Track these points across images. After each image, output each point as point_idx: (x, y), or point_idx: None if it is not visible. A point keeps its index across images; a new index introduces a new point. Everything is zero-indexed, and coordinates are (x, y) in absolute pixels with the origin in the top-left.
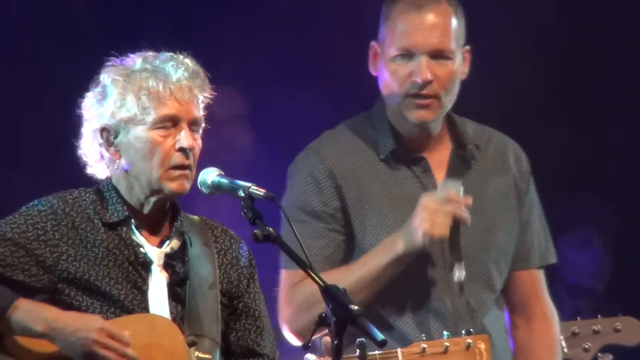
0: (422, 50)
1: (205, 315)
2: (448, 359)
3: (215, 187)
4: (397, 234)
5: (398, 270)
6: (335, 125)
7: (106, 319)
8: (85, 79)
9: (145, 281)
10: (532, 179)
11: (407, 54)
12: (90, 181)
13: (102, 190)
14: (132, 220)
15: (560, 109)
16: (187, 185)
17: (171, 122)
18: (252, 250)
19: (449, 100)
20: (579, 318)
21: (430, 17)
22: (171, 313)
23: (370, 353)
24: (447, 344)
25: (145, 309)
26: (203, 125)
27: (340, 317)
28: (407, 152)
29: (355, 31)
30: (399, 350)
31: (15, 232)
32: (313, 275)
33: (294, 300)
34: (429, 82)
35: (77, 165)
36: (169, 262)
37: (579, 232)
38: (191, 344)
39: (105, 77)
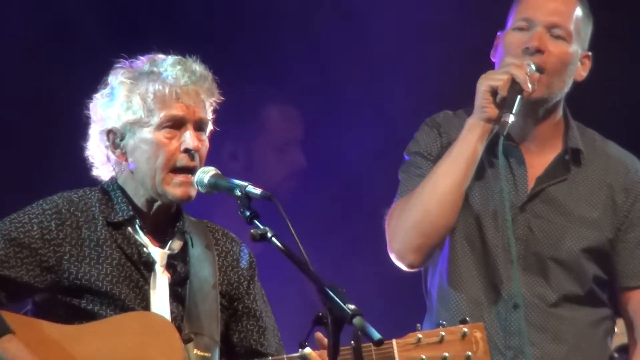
0: (539, 21)
1: (204, 315)
2: (444, 348)
3: (212, 186)
4: None
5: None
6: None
7: (105, 317)
8: (94, 80)
9: (147, 281)
10: None
11: (525, 26)
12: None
13: (107, 189)
14: (137, 220)
15: None
16: (193, 192)
17: (177, 124)
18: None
19: (558, 86)
20: None
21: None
22: (172, 312)
23: (365, 344)
24: (443, 333)
25: (146, 308)
26: (211, 127)
27: (337, 316)
28: (511, 142)
29: None
30: (394, 340)
31: (19, 231)
32: (310, 275)
33: (392, 228)
34: (540, 52)
35: (84, 166)
36: (171, 262)
37: None
38: (187, 341)
39: (113, 79)
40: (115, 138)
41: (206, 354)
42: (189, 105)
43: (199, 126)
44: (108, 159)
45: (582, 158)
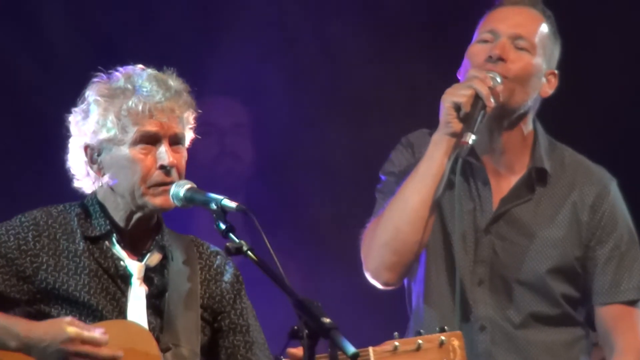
0: (503, 32)
1: (184, 327)
2: (421, 356)
3: (188, 200)
4: None
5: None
6: None
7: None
8: (74, 93)
9: (124, 293)
10: (610, 211)
11: (490, 38)
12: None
13: (87, 204)
14: (114, 234)
15: None
16: (172, 201)
17: (151, 140)
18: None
19: (520, 95)
20: None
21: (518, 12)
22: (150, 323)
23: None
24: (420, 341)
25: (123, 318)
26: (192, 135)
27: (313, 329)
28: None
29: None
30: (370, 348)
31: None
32: (284, 288)
33: (366, 247)
34: (502, 60)
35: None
36: (149, 275)
37: None
38: (165, 350)
39: (89, 94)
40: (92, 153)
41: None
42: (163, 122)
43: (175, 141)
44: (87, 173)
45: (547, 177)
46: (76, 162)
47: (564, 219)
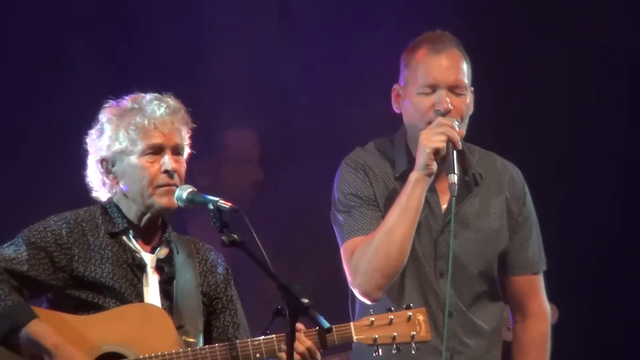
0: (442, 84)
1: (189, 309)
2: (393, 329)
3: (189, 201)
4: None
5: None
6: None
7: (109, 308)
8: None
9: (140, 280)
10: (527, 199)
11: (430, 90)
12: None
13: (106, 207)
14: (130, 230)
15: None
16: (175, 201)
17: (157, 150)
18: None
19: (464, 128)
20: None
21: (447, 59)
22: (162, 305)
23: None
24: (392, 317)
25: (141, 301)
26: (188, 150)
27: (294, 308)
28: None
29: None
30: (351, 323)
31: (37, 237)
32: (271, 274)
33: (353, 266)
34: (449, 112)
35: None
36: (160, 265)
37: None
38: (178, 328)
39: (102, 116)
40: (107, 165)
41: (192, 340)
42: (166, 134)
43: (176, 151)
44: (103, 183)
45: (477, 177)
46: (94, 175)
47: (500, 211)
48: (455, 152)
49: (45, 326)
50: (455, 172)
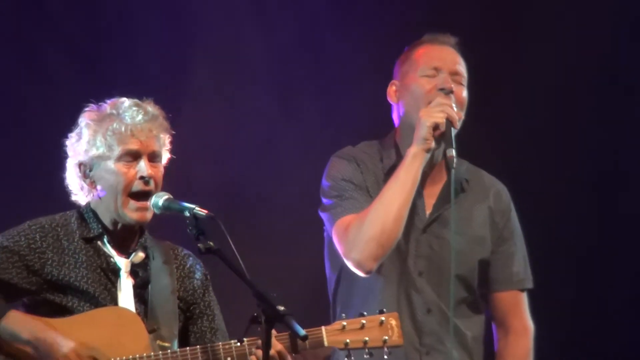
0: (445, 68)
1: (164, 314)
2: (365, 333)
3: (166, 208)
4: None
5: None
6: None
7: (82, 312)
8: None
9: (114, 284)
10: (512, 215)
11: (434, 72)
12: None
13: (82, 212)
14: (105, 236)
15: None
16: (148, 216)
17: (133, 156)
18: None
19: (461, 119)
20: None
21: (450, 51)
22: (136, 309)
23: None
24: (364, 321)
25: (115, 305)
26: (168, 155)
27: (270, 315)
28: None
29: None
30: (322, 327)
31: (10, 241)
32: (246, 281)
33: (348, 238)
34: (452, 92)
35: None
36: (134, 270)
37: None
38: (151, 331)
39: (82, 120)
40: (85, 169)
41: (167, 344)
42: (143, 140)
43: (153, 157)
44: (81, 187)
45: (463, 184)
46: (72, 178)
47: (483, 220)
48: (454, 130)
49: (19, 315)
50: (454, 146)
